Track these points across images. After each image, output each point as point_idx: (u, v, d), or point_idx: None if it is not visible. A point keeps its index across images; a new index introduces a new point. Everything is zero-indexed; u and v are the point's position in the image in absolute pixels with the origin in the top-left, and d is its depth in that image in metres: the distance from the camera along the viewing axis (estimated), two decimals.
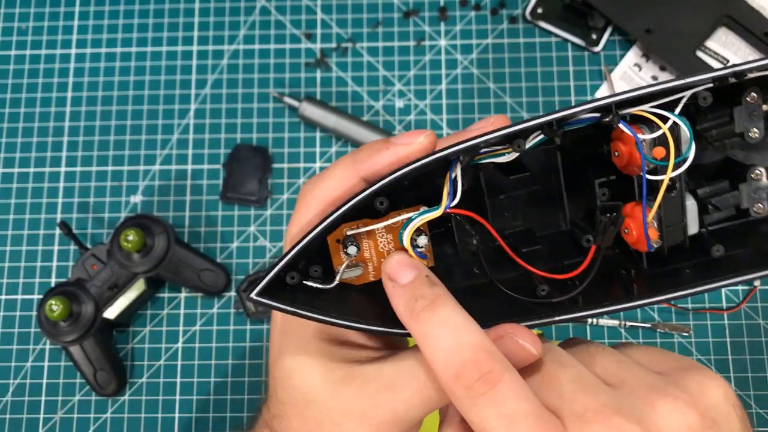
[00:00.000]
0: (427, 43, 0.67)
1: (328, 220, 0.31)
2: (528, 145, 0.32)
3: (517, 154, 0.32)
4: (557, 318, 0.32)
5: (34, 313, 0.62)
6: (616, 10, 0.64)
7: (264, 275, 0.32)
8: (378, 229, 0.34)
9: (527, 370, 0.29)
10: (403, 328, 0.31)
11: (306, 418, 0.32)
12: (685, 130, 0.32)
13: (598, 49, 0.65)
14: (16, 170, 0.66)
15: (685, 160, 0.32)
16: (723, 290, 0.61)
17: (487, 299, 0.34)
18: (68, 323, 0.58)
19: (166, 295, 0.62)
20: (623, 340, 0.60)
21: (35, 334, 0.62)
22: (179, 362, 0.61)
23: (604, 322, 0.60)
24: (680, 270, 0.34)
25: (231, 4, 0.69)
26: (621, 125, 0.32)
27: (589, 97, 0.65)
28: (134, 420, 0.60)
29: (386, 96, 0.66)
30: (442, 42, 0.67)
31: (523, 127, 0.31)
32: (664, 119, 0.32)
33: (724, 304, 0.60)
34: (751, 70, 0.32)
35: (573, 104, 0.31)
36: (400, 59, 0.67)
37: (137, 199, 0.65)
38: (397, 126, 0.65)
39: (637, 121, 0.33)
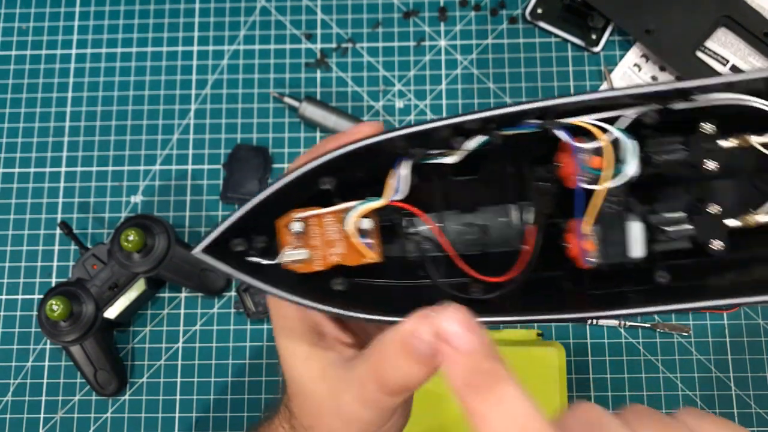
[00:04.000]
0: (427, 43, 0.67)
1: (274, 187, 0.31)
2: (471, 144, 0.32)
3: (463, 155, 0.32)
4: (486, 319, 0.31)
5: (35, 313, 0.62)
6: (616, 10, 0.64)
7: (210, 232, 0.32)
8: (327, 217, 0.34)
9: None
10: (376, 314, 0.31)
11: (302, 404, 0.34)
12: (628, 146, 0.32)
13: (598, 49, 0.65)
14: (16, 170, 0.66)
15: (625, 175, 0.32)
16: None
17: (429, 297, 0.33)
18: (68, 323, 0.58)
19: (166, 295, 0.63)
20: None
21: (35, 334, 0.62)
22: (179, 362, 0.61)
23: (604, 322, 0.60)
24: (623, 294, 0.33)
25: (231, 4, 0.69)
26: (557, 131, 0.31)
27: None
28: (134, 420, 0.60)
29: (386, 96, 0.66)
30: (442, 42, 0.67)
31: (459, 120, 0.31)
32: (608, 132, 0.31)
33: None
34: (693, 89, 0.30)
35: (518, 102, 0.31)
36: (400, 59, 0.67)
37: (137, 199, 0.65)
38: (397, 126, 0.65)
39: (580, 133, 0.32)
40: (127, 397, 0.61)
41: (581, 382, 0.59)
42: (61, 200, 0.65)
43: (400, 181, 0.32)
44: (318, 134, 0.65)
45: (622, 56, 0.66)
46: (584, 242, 0.33)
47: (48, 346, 0.62)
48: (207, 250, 0.32)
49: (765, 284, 0.33)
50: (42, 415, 0.60)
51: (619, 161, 0.32)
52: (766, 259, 0.35)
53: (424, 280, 0.35)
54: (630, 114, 0.32)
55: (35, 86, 0.67)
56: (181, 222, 0.64)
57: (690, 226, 0.34)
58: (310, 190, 0.33)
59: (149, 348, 0.61)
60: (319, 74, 0.67)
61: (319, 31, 0.68)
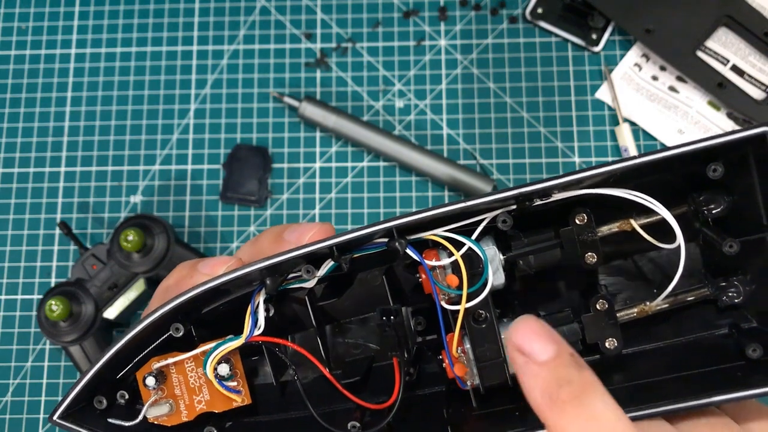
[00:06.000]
0: (427, 43, 0.67)
1: (120, 343, 0.30)
2: (322, 272, 0.30)
3: (314, 279, 0.30)
4: None
5: (34, 313, 0.62)
6: (616, 10, 0.64)
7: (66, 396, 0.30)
8: (187, 363, 0.32)
9: None
10: None
11: None
12: (485, 257, 0.29)
13: (598, 49, 0.65)
14: (16, 170, 0.66)
15: (483, 289, 0.29)
16: None
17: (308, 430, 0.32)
18: (68, 323, 0.58)
19: None
20: None
21: (35, 334, 0.62)
22: None
23: None
24: (512, 412, 0.30)
25: (231, 4, 0.69)
26: (409, 250, 0.29)
27: (590, 97, 0.65)
28: None
29: (386, 96, 0.66)
30: (442, 42, 0.67)
31: (303, 252, 0.28)
32: (463, 243, 0.29)
33: None
34: (554, 188, 0.28)
35: (365, 225, 0.29)
36: (400, 59, 0.67)
37: (137, 199, 0.65)
38: (397, 126, 0.65)
39: (439, 246, 0.30)
40: None
41: None
42: (60, 200, 0.65)
43: (255, 314, 0.30)
44: (318, 134, 0.65)
45: (622, 56, 0.66)
46: (456, 366, 0.30)
47: (47, 347, 0.62)
48: (65, 415, 0.30)
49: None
50: (42, 416, 0.60)
51: (478, 273, 0.30)
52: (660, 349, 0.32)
53: (304, 412, 0.32)
54: (486, 219, 0.29)
55: (34, 86, 0.67)
56: (181, 222, 0.64)
57: (578, 327, 0.32)
58: (168, 336, 0.31)
59: None
60: (319, 74, 0.67)
61: (319, 31, 0.68)
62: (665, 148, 0.28)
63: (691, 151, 0.28)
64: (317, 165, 0.64)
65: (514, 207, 0.30)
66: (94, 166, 0.65)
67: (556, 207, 0.30)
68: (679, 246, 0.30)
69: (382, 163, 0.64)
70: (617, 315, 0.32)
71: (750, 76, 0.63)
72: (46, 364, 0.61)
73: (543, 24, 0.66)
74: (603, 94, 0.65)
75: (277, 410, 0.34)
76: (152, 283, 0.61)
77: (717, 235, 0.31)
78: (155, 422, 0.32)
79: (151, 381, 0.31)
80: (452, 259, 0.30)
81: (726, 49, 0.64)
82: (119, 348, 0.30)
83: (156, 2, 0.69)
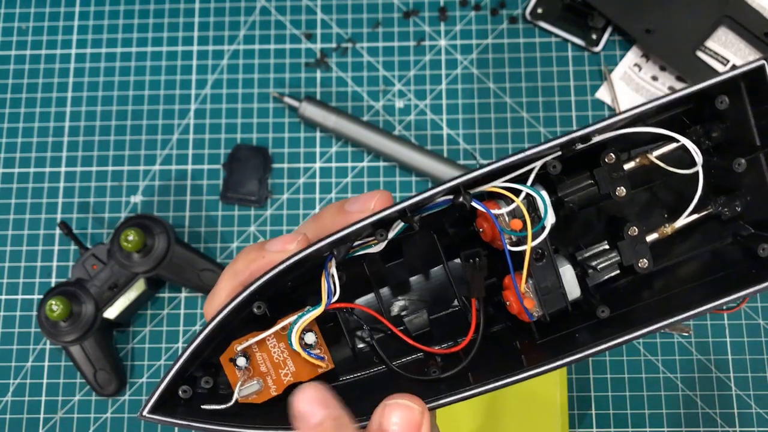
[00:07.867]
0: (427, 43, 0.67)
1: (208, 328, 0.31)
2: (391, 234, 0.33)
3: (385, 243, 0.33)
4: (450, 397, 0.32)
5: (34, 313, 0.62)
6: (616, 10, 0.64)
7: (154, 391, 0.31)
8: (268, 339, 0.34)
9: None
10: None
11: None
12: (541, 199, 0.33)
13: (598, 49, 0.65)
14: (16, 170, 0.66)
15: (543, 228, 0.33)
16: None
17: (387, 387, 0.34)
18: (68, 323, 0.58)
19: (166, 295, 0.62)
20: None
21: (35, 334, 0.62)
22: None
23: None
24: (571, 335, 0.35)
25: (231, 4, 0.69)
26: (474, 203, 0.32)
27: (590, 97, 0.65)
28: (134, 420, 0.60)
29: (386, 96, 0.66)
30: (442, 42, 0.67)
31: (375, 218, 0.31)
32: (519, 191, 0.33)
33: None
34: (593, 133, 0.33)
35: (430, 187, 0.32)
36: (400, 59, 0.67)
37: (137, 199, 0.65)
38: (397, 126, 0.65)
39: (495, 196, 0.33)
40: (126, 397, 0.61)
41: (581, 382, 0.59)
42: (60, 200, 0.65)
43: (331, 282, 0.33)
44: (318, 134, 0.65)
45: (622, 56, 0.66)
46: (524, 300, 0.34)
47: (48, 346, 0.62)
48: (155, 410, 0.31)
49: (693, 279, 0.36)
50: (42, 415, 0.60)
51: (536, 216, 0.33)
52: (685, 259, 0.38)
53: (378, 368, 0.36)
54: (537, 166, 0.33)
55: (35, 86, 0.67)
56: (181, 222, 0.64)
57: (615, 253, 0.36)
58: (245, 318, 0.33)
59: (149, 348, 0.61)
60: (319, 74, 0.67)
61: (319, 31, 0.68)
62: (688, 86, 0.33)
63: (707, 86, 0.33)
64: (317, 165, 0.65)
65: (559, 153, 0.33)
66: (94, 166, 0.65)
67: (583, 153, 0.34)
68: (696, 170, 0.34)
69: (382, 163, 0.64)
70: (648, 237, 0.36)
71: None
72: (46, 364, 0.61)
73: (543, 24, 0.66)
74: (603, 94, 0.65)
75: (352, 371, 0.36)
76: (152, 283, 0.61)
77: (720, 158, 0.35)
78: (245, 401, 0.33)
79: (242, 361, 0.33)
80: (513, 205, 0.33)
81: (726, 49, 0.64)
82: (206, 335, 0.31)
83: (156, 2, 0.69)
